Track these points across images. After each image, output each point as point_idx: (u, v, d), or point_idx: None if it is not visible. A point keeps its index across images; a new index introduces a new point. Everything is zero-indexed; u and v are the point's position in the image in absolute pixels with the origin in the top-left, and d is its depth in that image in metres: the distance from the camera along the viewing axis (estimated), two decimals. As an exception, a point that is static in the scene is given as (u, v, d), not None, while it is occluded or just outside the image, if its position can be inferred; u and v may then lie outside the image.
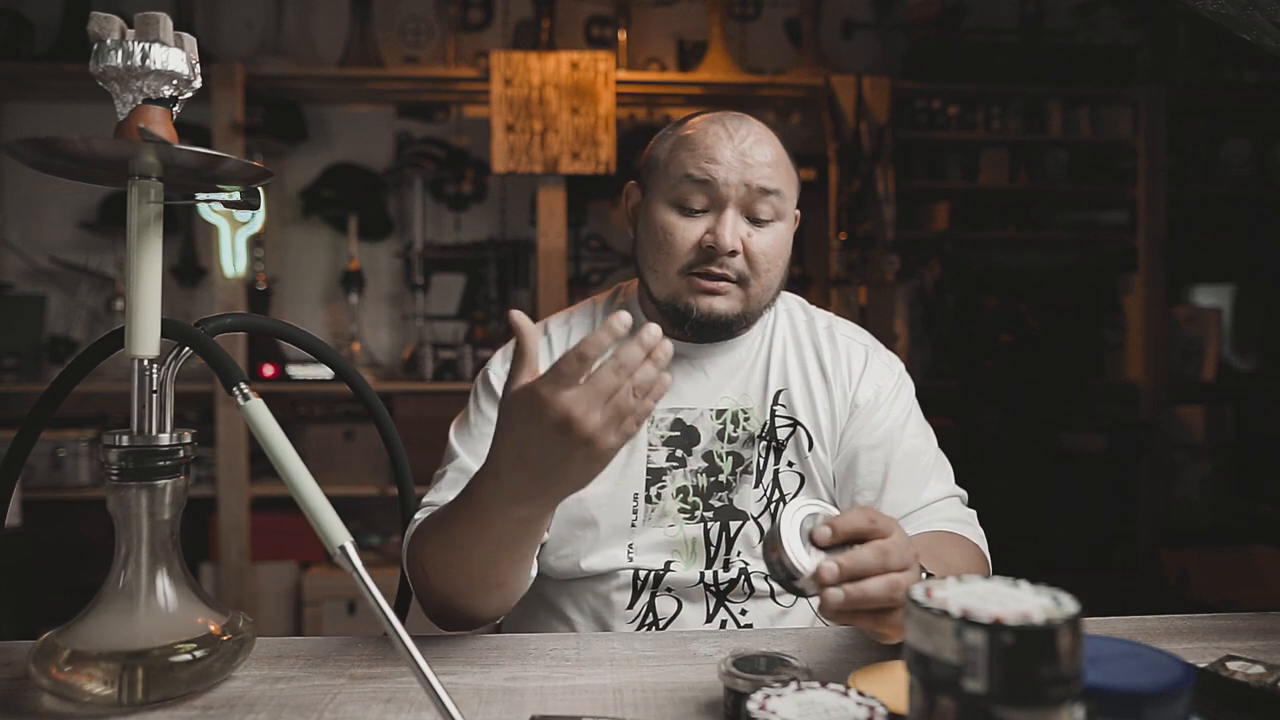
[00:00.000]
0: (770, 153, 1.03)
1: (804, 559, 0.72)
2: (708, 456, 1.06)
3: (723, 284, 1.01)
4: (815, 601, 1.07)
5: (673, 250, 1.02)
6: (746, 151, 1.01)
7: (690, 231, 1.01)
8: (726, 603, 1.04)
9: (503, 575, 0.85)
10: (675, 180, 1.02)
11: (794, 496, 1.07)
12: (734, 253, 1.00)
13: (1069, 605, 0.47)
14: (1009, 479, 3.21)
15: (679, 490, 1.05)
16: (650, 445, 1.05)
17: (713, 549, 1.04)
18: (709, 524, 1.05)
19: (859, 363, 1.10)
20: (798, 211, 1.10)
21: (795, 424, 1.07)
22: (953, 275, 3.39)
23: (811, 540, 0.72)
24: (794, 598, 1.05)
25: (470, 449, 1.03)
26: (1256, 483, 3.35)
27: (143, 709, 0.73)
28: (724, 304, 1.02)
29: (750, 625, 1.04)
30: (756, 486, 1.06)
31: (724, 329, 1.05)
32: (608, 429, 0.68)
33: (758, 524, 1.05)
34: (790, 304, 1.17)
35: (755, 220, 1.02)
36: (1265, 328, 3.60)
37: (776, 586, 1.04)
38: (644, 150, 1.12)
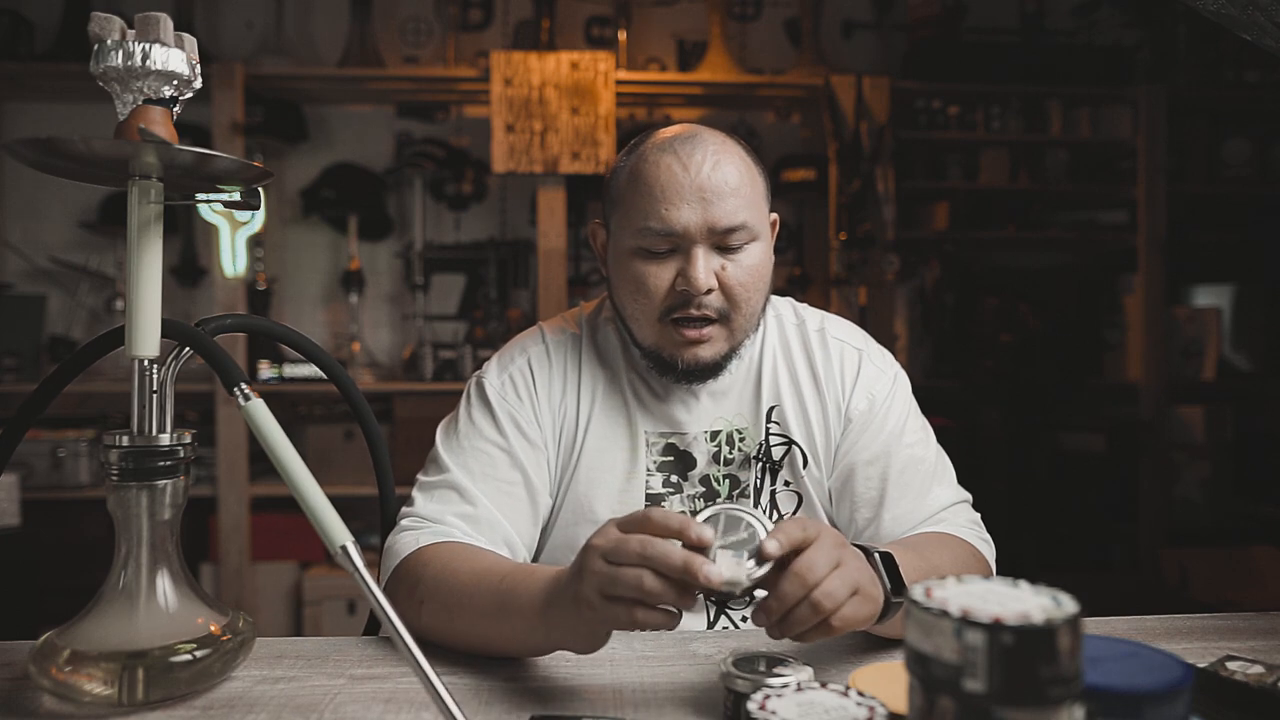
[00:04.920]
0: (732, 175, 0.96)
1: (722, 571, 0.68)
2: (705, 481, 1.04)
3: (705, 330, 0.97)
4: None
5: (647, 298, 0.98)
6: (704, 184, 0.94)
7: (661, 277, 0.97)
8: (727, 610, 1.04)
9: (503, 653, 0.85)
10: (637, 229, 0.97)
11: (792, 515, 1.05)
12: (709, 290, 0.96)
13: (1069, 605, 0.47)
14: (1009, 479, 3.21)
15: None
16: (648, 470, 1.04)
17: None
18: None
19: (851, 370, 1.07)
20: (774, 215, 1.06)
21: (790, 442, 1.05)
22: (953, 275, 3.39)
23: (758, 556, 0.69)
24: None
25: (460, 462, 1.00)
26: (1256, 483, 3.35)
27: (143, 709, 0.73)
28: (709, 350, 0.99)
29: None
30: (755, 508, 1.04)
31: (714, 371, 1.01)
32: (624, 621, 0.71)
33: None
34: (780, 308, 1.13)
35: (727, 250, 0.97)
36: (1265, 328, 3.60)
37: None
38: (605, 180, 1.07)
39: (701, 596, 1.02)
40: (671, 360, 0.99)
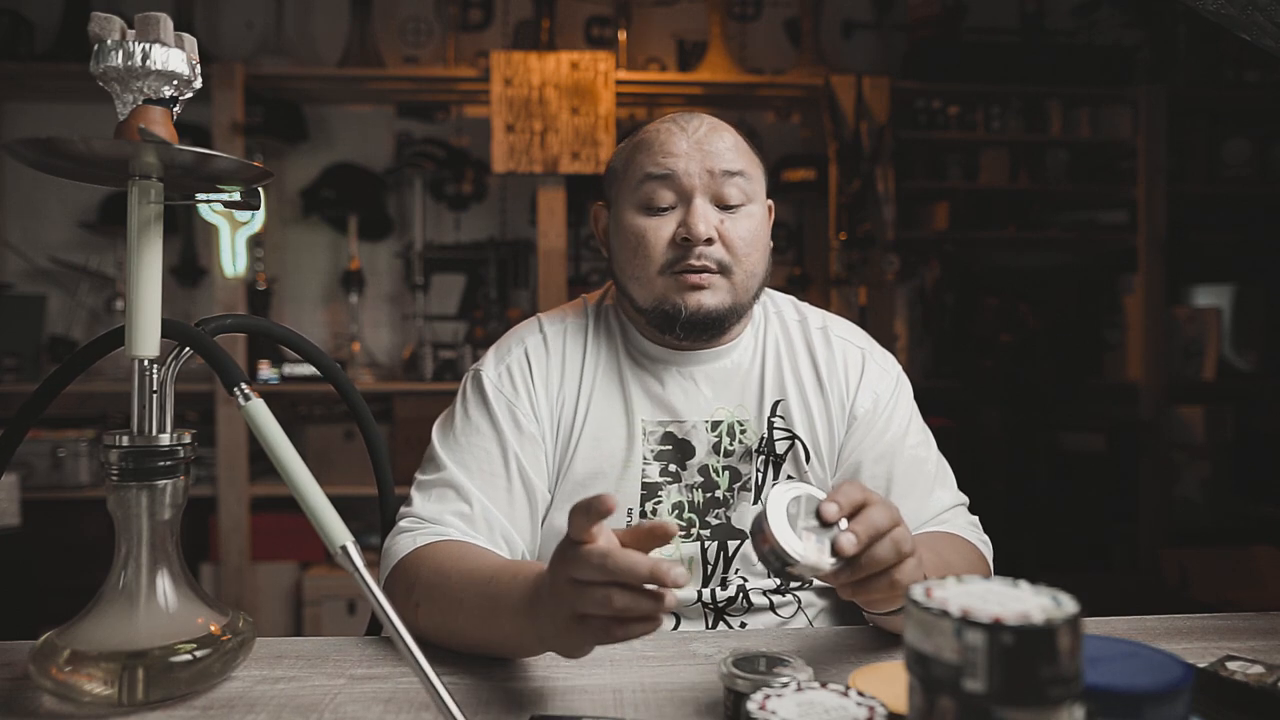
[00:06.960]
0: (729, 138, 1.02)
1: (795, 545, 0.70)
2: (703, 471, 1.03)
3: (706, 275, 0.98)
4: (813, 603, 1.05)
5: (648, 252, 1.00)
6: (703, 139, 1.00)
7: (662, 229, 1.00)
8: (725, 617, 1.03)
9: (499, 654, 0.84)
10: (637, 183, 1.01)
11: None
12: (710, 240, 0.98)
13: (1069, 605, 0.47)
14: (1009, 479, 3.21)
15: (674, 506, 1.02)
16: (645, 459, 1.03)
17: (710, 568, 1.02)
18: (706, 543, 1.02)
19: (855, 369, 1.07)
20: (770, 202, 1.08)
21: (793, 437, 1.04)
22: (953, 275, 3.39)
23: (818, 516, 0.71)
24: (793, 609, 1.04)
25: (457, 459, 1.00)
26: (1256, 483, 3.35)
27: (143, 709, 0.73)
28: (711, 298, 0.99)
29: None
30: (755, 503, 1.03)
31: (716, 325, 1.01)
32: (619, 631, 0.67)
33: None
34: (781, 305, 1.14)
35: (726, 206, 1.00)
36: (1265, 328, 3.60)
37: (775, 598, 1.03)
38: (608, 165, 1.10)
39: (700, 605, 1.01)
40: (675, 309, 0.99)
